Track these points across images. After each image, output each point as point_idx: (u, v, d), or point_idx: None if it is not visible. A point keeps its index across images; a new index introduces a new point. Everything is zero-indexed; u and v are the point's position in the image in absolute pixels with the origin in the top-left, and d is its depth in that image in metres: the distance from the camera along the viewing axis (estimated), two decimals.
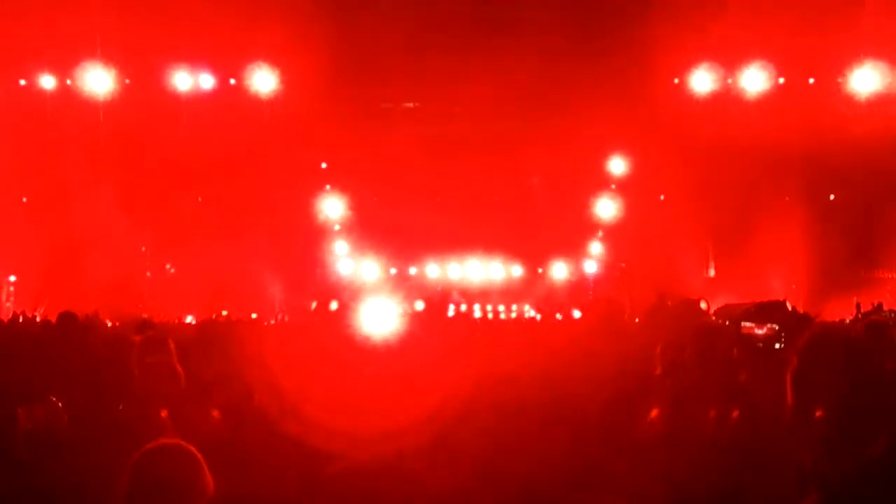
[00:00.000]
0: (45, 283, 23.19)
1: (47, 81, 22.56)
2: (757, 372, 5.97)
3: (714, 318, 18.27)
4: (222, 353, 6.19)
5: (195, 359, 5.98)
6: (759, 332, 15.78)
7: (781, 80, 22.09)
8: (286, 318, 21.72)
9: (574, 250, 25.18)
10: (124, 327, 13.62)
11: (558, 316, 22.85)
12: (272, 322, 20.39)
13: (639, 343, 6.40)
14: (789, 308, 18.64)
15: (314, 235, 25.21)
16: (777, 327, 15.81)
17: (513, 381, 4.89)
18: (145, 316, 21.40)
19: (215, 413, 5.41)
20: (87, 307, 18.90)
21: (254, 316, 21.68)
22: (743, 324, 17.03)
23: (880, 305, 17.46)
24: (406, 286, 23.30)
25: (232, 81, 23.08)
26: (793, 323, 15.11)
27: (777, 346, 14.20)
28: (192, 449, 3.27)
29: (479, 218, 23.90)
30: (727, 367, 5.85)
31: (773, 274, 22.39)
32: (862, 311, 17.23)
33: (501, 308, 24.32)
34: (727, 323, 17.28)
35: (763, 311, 16.86)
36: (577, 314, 21.41)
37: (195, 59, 22.59)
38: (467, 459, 4.10)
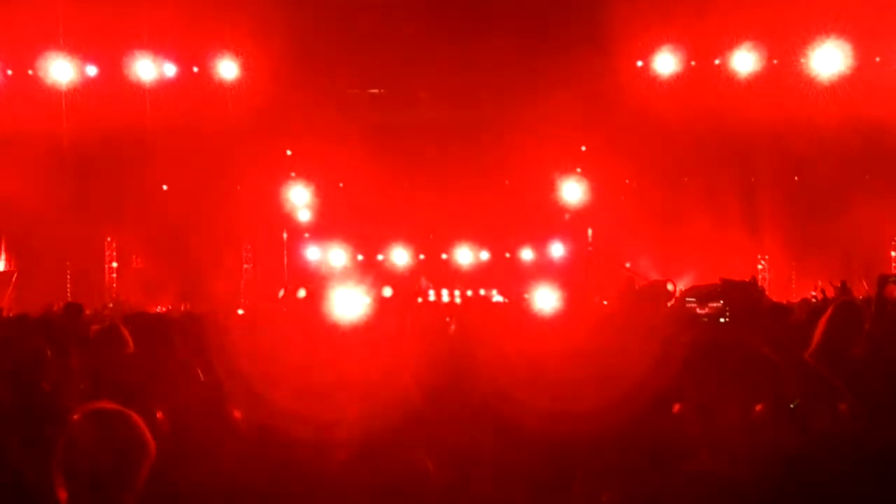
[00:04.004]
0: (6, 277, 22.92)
1: (8, 71, 22.26)
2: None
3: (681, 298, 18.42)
4: (186, 343, 6.11)
5: (161, 350, 5.88)
6: (701, 311, 16.02)
7: (747, 63, 22.11)
8: (247, 307, 21.53)
9: (541, 235, 25.23)
10: (89, 319, 13.45)
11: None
12: (239, 311, 20.27)
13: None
14: (757, 286, 18.79)
15: (281, 223, 25.07)
16: (721, 303, 16.05)
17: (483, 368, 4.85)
18: (111, 304, 21.29)
19: (181, 403, 5.34)
20: (54, 300, 18.74)
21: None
22: (686, 302, 17.22)
23: (844, 283, 17.46)
24: (374, 273, 23.23)
25: (195, 69, 22.83)
26: (737, 298, 15.26)
27: (722, 320, 14.42)
28: (131, 413, 3.20)
29: (446, 204, 23.86)
30: None
31: (740, 254, 22.56)
32: (828, 294, 17.17)
33: (469, 293, 24.29)
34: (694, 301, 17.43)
35: (721, 290, 16.95)
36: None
37: (158, 48, 22.29)
38: (442, 445, 4.07)
